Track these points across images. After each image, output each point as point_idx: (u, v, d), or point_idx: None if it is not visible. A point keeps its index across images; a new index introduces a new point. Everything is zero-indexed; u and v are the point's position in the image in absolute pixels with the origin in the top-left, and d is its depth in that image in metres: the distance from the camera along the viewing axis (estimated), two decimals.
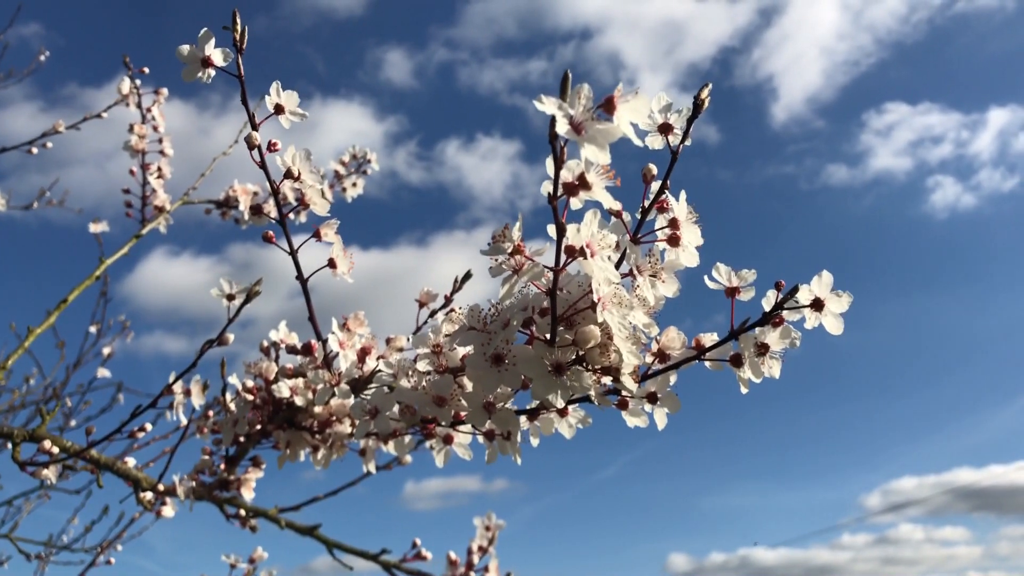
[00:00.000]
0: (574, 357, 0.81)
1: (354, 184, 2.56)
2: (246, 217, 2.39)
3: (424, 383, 0.94)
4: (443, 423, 0.94)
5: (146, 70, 2.34)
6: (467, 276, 1.38)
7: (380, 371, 1.02)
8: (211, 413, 1.61)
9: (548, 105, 0.62)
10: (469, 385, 0.93)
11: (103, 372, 3.00)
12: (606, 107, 0.64)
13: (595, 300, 0.75)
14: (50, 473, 1.50)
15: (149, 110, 2.30)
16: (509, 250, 0.80)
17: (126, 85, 2.31)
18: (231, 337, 1.29)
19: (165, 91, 2.35)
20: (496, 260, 0.82)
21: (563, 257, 0.74)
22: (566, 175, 0.69)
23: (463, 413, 0.95)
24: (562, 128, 0.62)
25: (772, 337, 0.86)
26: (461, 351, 0.94)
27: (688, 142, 0.83)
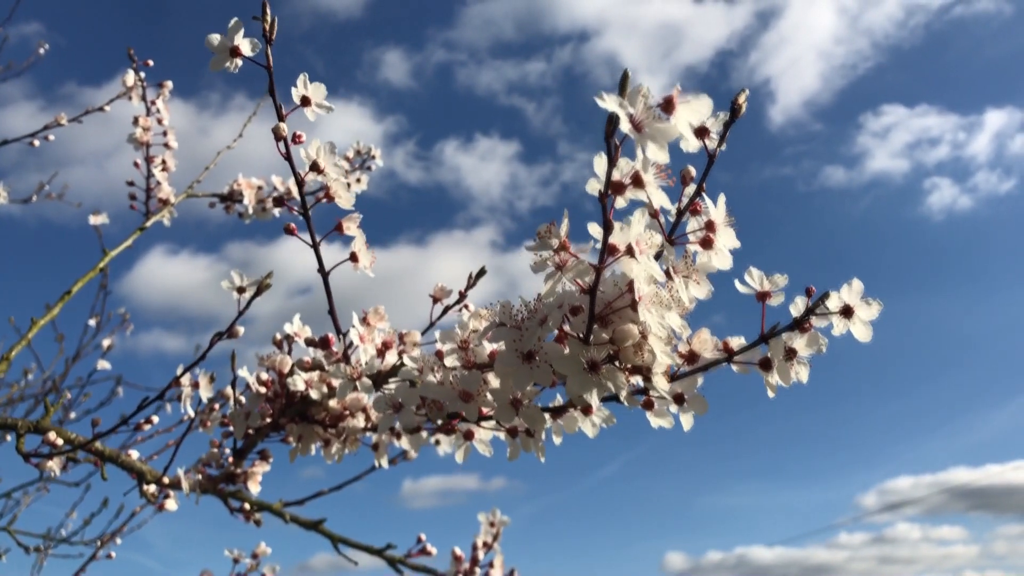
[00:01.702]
0: (607, 355, 0.82)
1: (358, 180, 2.55)
2: (250, 211, 2.39)
3: (451, 378, 0.94)
4: (469, 419, 0.94)
5: (150, 62, 2.32)
6: (481, 272, 1.37)
7: (403, 365, 1.02)
8: (216, 407, 1.60)
9: (609, 102, 0.63)
10: (495, 381, 0.93)
11: (103, 364, 2.98)
12: (665, 107, 0.65)
13: (636, 299, 0.76)
14: (54, 465, 1.49)
15: (153, 102, 2.29)
16: (555, 246, 0.81)
17: (130, 77, 2.30)
18: (241, 330, 1.29)
19: (170, 84, 2.33)
20: (540, 256, 0.83)
21: (607, 256, 0.75)
22: (615, 174, 0.69)
23: (487, 409, 0.95)
24: (624, 126, 0.63)
25: (800, 343, 0.87)
26: (489, 347, 0.95)
27: (724, 146, 0.83)
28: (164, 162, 2.27)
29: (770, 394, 0.89)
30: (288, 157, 1.09)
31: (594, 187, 0.71)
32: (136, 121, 2.27)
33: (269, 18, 1.05)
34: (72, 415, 3.00)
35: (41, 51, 3.60)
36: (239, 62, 1.06)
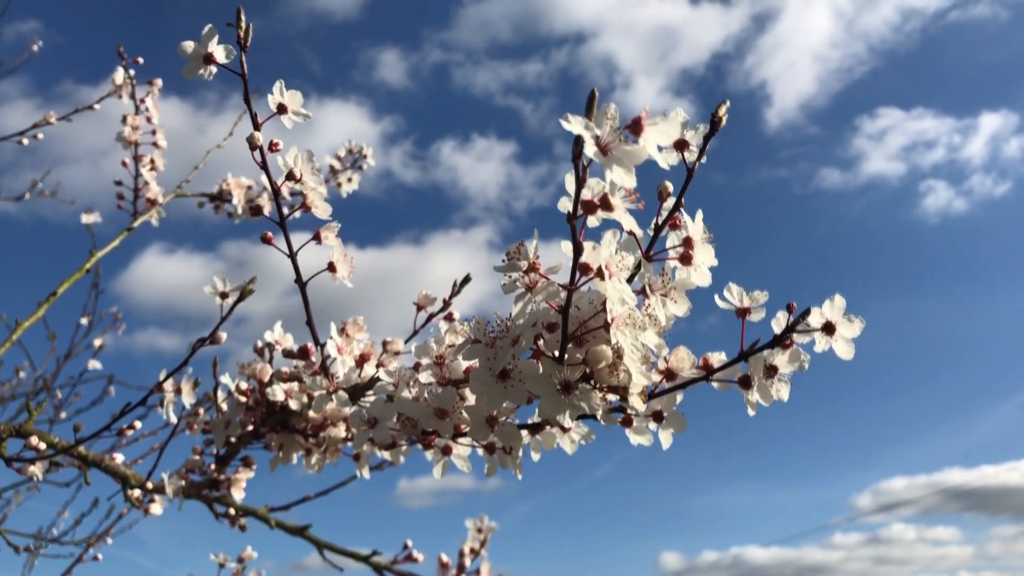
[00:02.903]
0: (582, 375, 0.80)
1: (349, 179, 2.53)
2: (239, 211, 2.37)
3: (426, 394, 0.92)
4: (444, 435, 0.92)
5: (140, 60, 2.30)
6: (466, 280, 1.36)
7: (379, 379, 1.01)
8: (201, 411, 1.59)
9: (574, 125, 0.61)
10: (471, 397, 0.91)
11: (94, 364, 2.97)
12: (633, 128, 0.62)
13: (608, 320, 0.74)
14: (36, 469, 1.47)
15: (143, 101, 2.27)
16: (524, 268, 0.79)
17: (120, 75, 2.28)
18: (224, 336, 1.27)
19: (159, 82, 2.31)
20: (509, 277, 0.81)
21: (578, 276, 0.73)
22: (586, 194, 0.67)
23: (464, 426, 0.93)
24: (589, 150, 0.61)
25: (781, 360, 0.85)
26: (464, 363, 0.93)
27: (704, 160, 0.81)
28: (152, 161, 2.25)
29: (750, 413, 0.87)
30: (264, 166, 1.07)
31: (566, 205, 0.69)
32: (125, 120, 2.25)
33: (244, 25, 1.03)
34: (63, 415, 2.99)
35: (35, 47, 3.57)
36: (213, 69, 1.04)
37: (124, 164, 2.22)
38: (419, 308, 1.35)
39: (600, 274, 0.72)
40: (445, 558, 1.64)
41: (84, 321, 3.08)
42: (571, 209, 0.67)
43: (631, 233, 0.80)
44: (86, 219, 2.40)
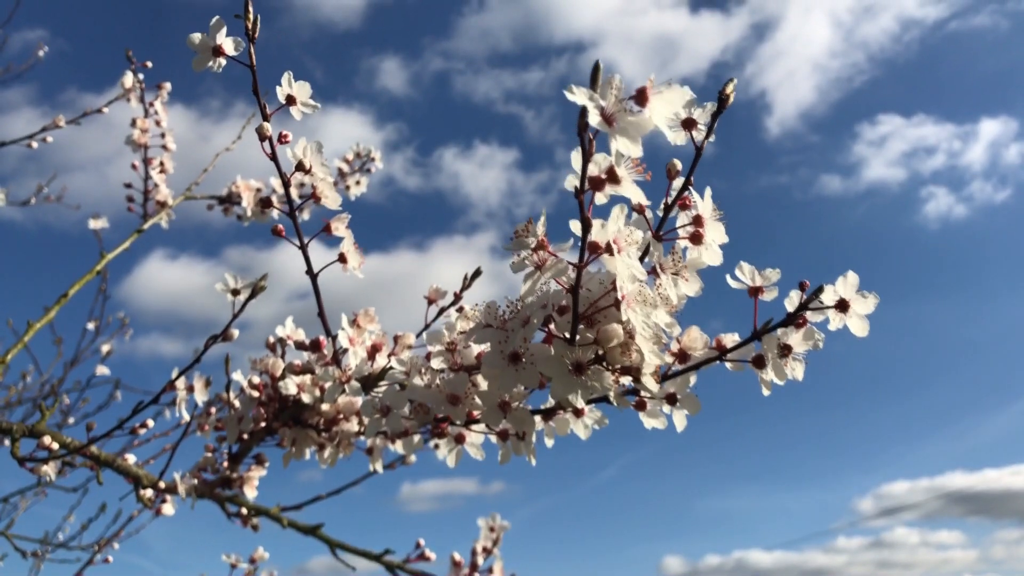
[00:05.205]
0: (594, 356, 0.80)
1: (358, 182, 2.53)
2: (249, 213, 2.37)
3: (438, 381, 0.92)
4: (457, 422, 0.92)
5: (149, 64, 2.31)
6: (477, 273, 1.35)
7: (392, 368, 1.00)
8: (213, 410, 1.59)
9: (579, 95, 0.60)
10: (483, 383, 0.91)
11: (102, 369, 2.97)
12: (638, 99, 0.62)
13: (619, 298, 0.74)
14: (49, 469, 1.47)
15: (152, 104, 2.28)
16: (532, 245, 0.78)
17: (129, 79, 2.29)
18: (236, 333, 1.27)
19: (168, 85, 2.32)
20: (518, 255, 0.80)
21: (587, 253, 0.72)
22: (593, 169, 0.67)
23: (476, 412, 0.93)
24: (594, 119, 0.60)
25: (795, 338, 0.84)
26: (476, 349, 0.93)
27: (712, 138, 0.81)
28: (162, 164, 2.26)
29: (765, 392, 0.86)
30: (273, 157, 1.07)
31: (572, 182, 0.68)
32: (134, 123, 2.26)
33: (252, 16, 1.03)
34: (71, 420, 2.99)
35: (40, 53, 3.58)
36: (222, 61, 1.04)
37: (134, 167, 2.23)
38: (430, 302, 1.34)
39: (609, 250, 0.71)
40: (458, 557, 1.64)
41: (91, 326, 3.08)
42: (578, 184, 0.67)
43: (639, 209, 0.80)
44: (94, 224, 2.40)
